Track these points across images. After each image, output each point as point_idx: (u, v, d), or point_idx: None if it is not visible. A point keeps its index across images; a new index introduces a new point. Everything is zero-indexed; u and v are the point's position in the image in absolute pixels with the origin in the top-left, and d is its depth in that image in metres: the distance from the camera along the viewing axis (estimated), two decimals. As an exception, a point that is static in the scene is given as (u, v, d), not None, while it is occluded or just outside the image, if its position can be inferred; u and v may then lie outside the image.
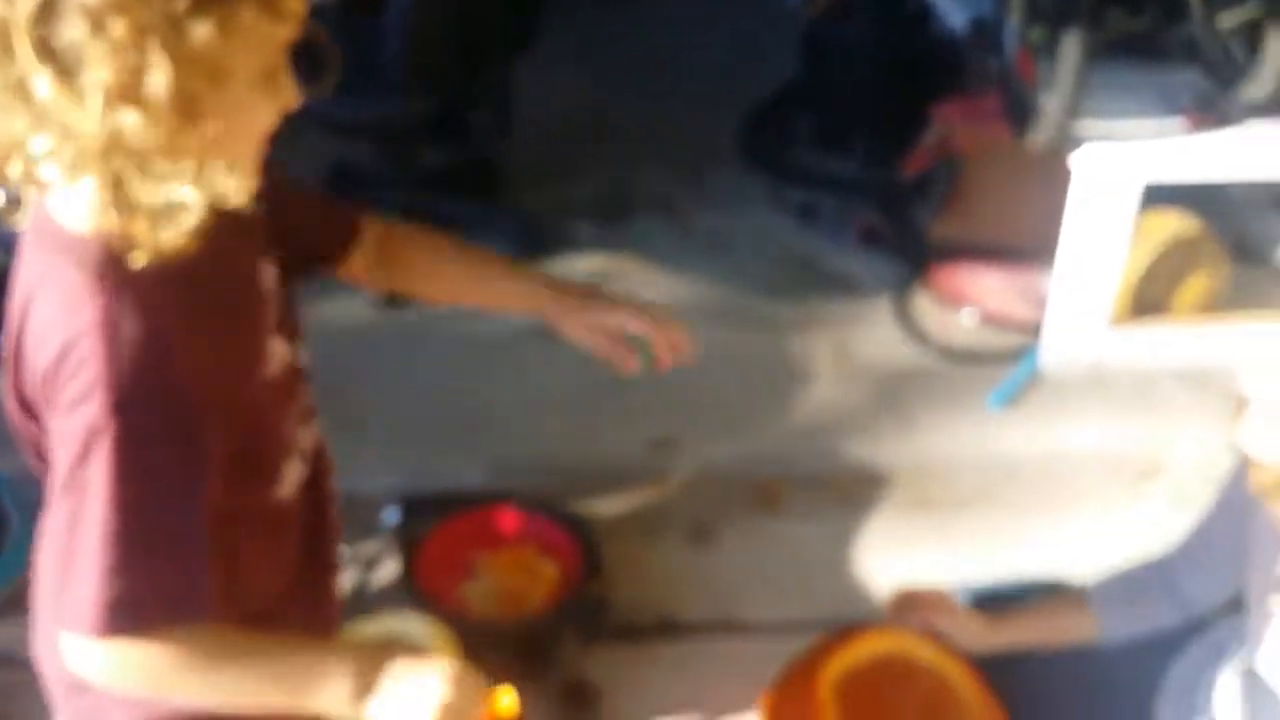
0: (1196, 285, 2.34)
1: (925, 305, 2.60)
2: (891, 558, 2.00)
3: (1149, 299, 2.34)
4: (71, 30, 0.80)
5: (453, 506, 1.90)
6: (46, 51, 0.80)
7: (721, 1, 3.59)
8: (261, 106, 0.90)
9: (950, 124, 2.69)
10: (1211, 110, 2.19)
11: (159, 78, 0.81)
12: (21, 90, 0.82)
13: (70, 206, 0.90)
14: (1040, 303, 2.51)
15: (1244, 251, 2.58)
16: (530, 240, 2.76)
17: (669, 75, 3.29)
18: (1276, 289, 2.49)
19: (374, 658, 0.96)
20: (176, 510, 0.89)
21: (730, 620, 1.86)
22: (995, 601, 1.57)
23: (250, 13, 0.84)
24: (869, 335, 2.54)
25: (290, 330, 1.06)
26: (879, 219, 2.82)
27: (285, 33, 0.88)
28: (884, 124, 2.93)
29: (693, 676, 1.77)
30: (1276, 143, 2.16)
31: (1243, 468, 1.28)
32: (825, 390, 2.40)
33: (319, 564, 1.16)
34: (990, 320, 2.53)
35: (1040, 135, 2.17)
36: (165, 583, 0.89)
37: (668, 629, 1.85)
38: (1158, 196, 2.28)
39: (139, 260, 0.86)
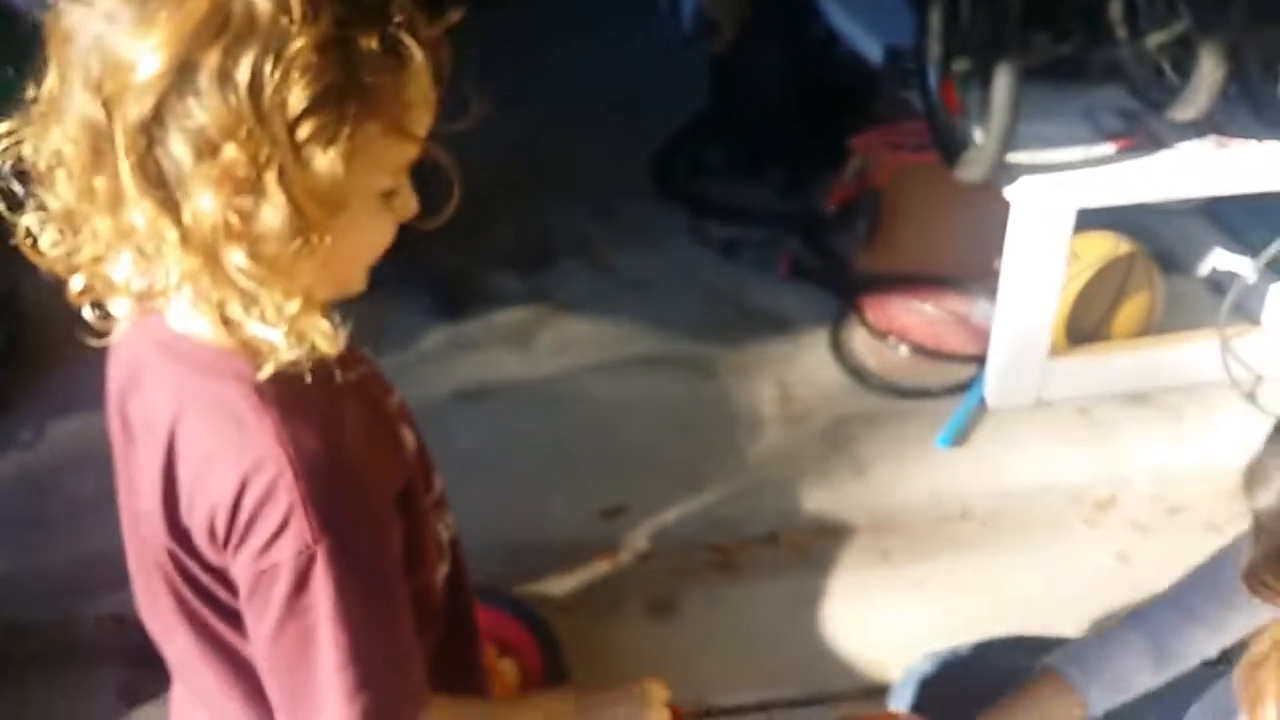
0: (1134, 306, 2.33)
1: (860, 340, 2.55)
2: (858, 618, 1.93)
3: (1088, 324, 2.32)
4: (179, 151, 0.71)
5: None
6: (148, 173, 0.73)
7: (621, 34, 3.53)
8: (380, 226, 0.83)
9: (870, 155, 2.65)
10: (1140, 132, 2.18)
11: (274, 214, 0.73)
12: (113, 204, 0.74)
13: (192, 316, 0.83)
14: (974, 332, 2.48)
15: (1169, 264, 2.59)
16: (450, 297, 2.65)
17: (576, 115, 3.21)
18: (1203, 299, 2.49)
19: (578, 708, 1.04)
20: (396, 612, 0.87)
21: (706, 706, 1.77)
22: (962, 669, 1.49)
23: (377, 134, 0.76)
24: (808, 374, 2.47)
25: (410, 418, 1.00)
26: (804, 252, 2.77)
27: (411, 153, 0.80)
28: (802, 155, 2.90)
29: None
30: (1205, 161, 2.15)
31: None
32: (772, 438, 2.32)
33: (464, 666, 1.10)
34: (925, 353, 2.49)
35: (972, 166, 2.13)
36: (403, 685, 0.87)
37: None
38: (1087, 217, 2.27)
39: (266, 371, 0.80)
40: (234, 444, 0.81)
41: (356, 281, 0.87)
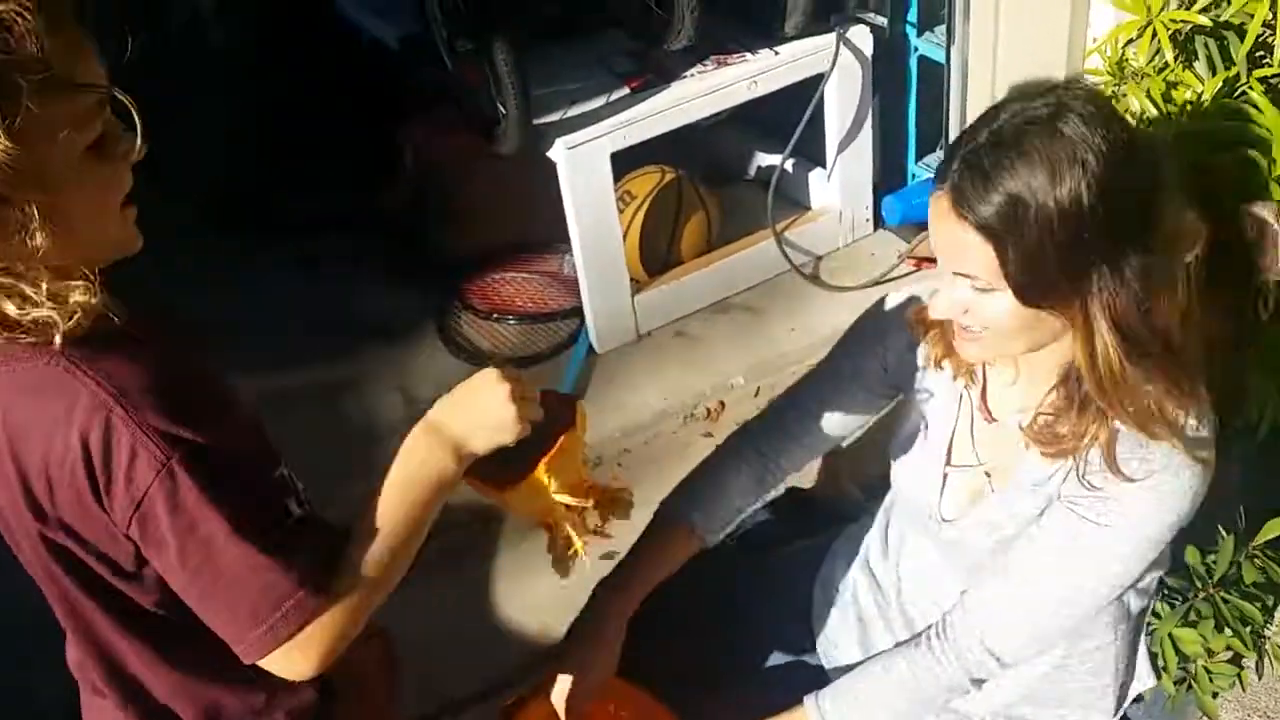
0: (693, 227, 2.49)
1: (468, 323, 2.59)
2: (523, 595, 2.00)
3: (659, 254, 2.47)
4: None
5: None
6: None
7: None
8: (102, 178, 0.87)
9: (420, 143, 2.68)
10: (649, 68, 2.32)
11: None
12: None
13: None
14: (569, 286, 2.58)
15: (723, 177, 2.78)
16: None
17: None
18: (760, 200, 2.70)
19: (435, 428, 1.00)
20: (272, 492, 0.92)
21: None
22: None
23: (32, 100, 0.79)
24: (425, 372, 2.49)
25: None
26: (391, 251, 2.77)
27: (85, 102, 0.84)
28: (361, 154, 2.87)
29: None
30: (705, 81, 2.31)
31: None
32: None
33: None
34: (530, 318, 2.56)
35: (506, 138, 2.20)
36: (308, 545, 0.91)
37: None
38: (635, 157, 2.40)
39: (57, 341, 0.87)
40: (62, 406, 0.87)
41: (124, 238, 0.92)
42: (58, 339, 0.87)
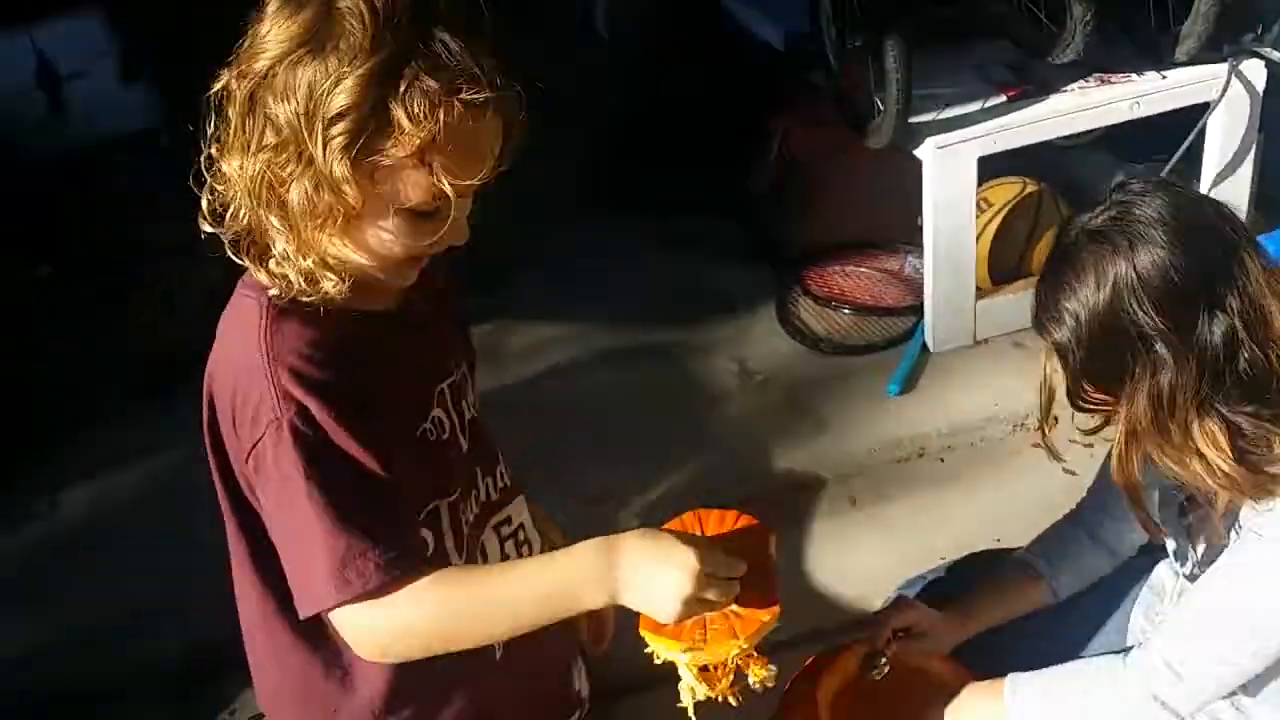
0: (1048, 240, 2.48)
1: (805, 308, 2.71)
2: (836, 560, 2.09)
3: (1008, 262, 2.50)
4: (260, 119, 0.94)
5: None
6: (246, 130, 0.95)
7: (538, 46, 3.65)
8: (396, 233, 0.97)
9: (787, 135, 2.82)
10: (1028, 79, 2.36)
11: (296, 187, 0.94)
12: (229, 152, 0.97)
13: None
14: (908, 285, 2.65)
15: (1079, 195, 2.76)
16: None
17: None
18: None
19: (612, 562, 0.98)
20: (364, 480, 0.97)
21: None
22: (941, 589, 1.65)
23: (402, 161, 0.92)
24: (761, 347, 2.63)
25: (457, 405, 1.13)
26: (745, 233, 2.93)
27: (433, 189, 0.94)
28: (728, 142, 3.05)
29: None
30: (1089, 97, 2.33)
31: None
32: (737, 409, 2.48)
33: None
34: (866, 311, 2.65)
35: (879, 134, 2.30)
36: (376, 538, 0.96)
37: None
38: (997, 165, 2.44)
39: (274, 291, 0.98)
40: (241, 343, 0.99)
41: (396, 270, 1.01)
42: (274, 291, 0.98)
